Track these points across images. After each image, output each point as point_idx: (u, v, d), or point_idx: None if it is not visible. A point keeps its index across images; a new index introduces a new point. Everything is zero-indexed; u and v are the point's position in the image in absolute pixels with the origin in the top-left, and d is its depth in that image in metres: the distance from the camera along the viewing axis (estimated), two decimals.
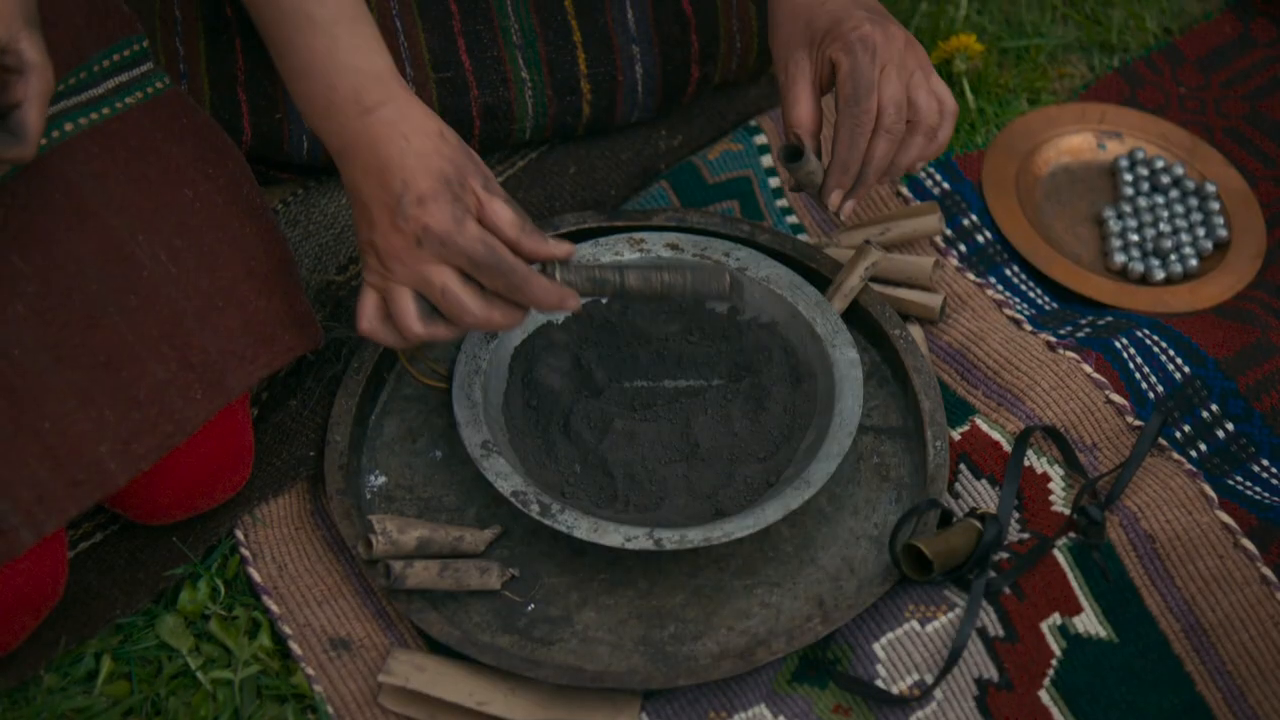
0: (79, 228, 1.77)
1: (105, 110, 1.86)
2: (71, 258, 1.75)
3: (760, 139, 2.31)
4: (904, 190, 2.29)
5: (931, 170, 2.32)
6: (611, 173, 2.27)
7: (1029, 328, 2.11)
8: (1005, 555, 1.91)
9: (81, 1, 1.89)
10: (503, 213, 1.77)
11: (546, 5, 2.18)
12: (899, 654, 1.86)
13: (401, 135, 1.79)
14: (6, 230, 1.74)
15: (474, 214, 1.76)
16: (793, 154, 1.92)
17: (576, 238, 2.11)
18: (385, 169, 1.78)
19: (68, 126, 1.82)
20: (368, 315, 1.79)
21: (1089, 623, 1.88)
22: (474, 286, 1.77)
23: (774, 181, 2.28)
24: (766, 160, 2.29)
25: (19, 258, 1.72)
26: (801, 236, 2.22)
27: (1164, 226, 2.32)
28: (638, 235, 2.07)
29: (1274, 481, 2.03)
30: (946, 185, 2.31)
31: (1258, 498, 2.00)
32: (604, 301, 2.03)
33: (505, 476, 1.87)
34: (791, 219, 2.25)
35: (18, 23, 1.69)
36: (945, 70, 2.45)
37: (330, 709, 1.83)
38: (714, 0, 2.25)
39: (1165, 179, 2.36)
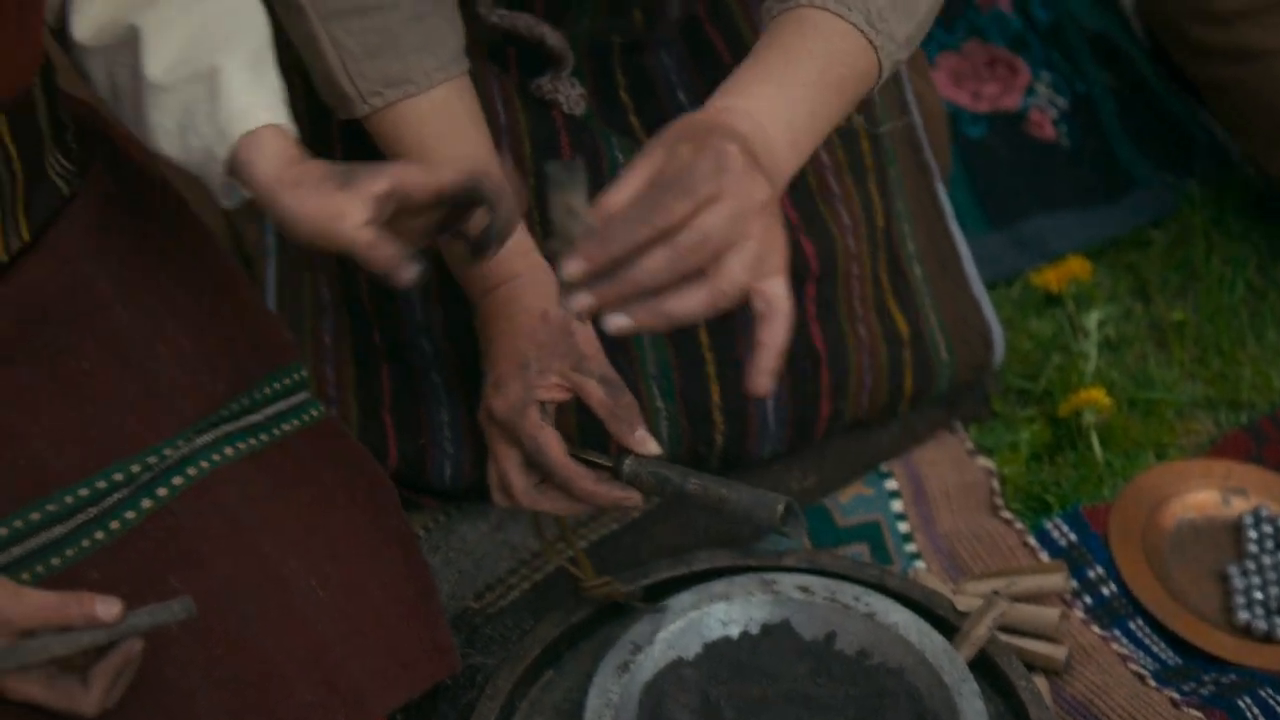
0: (234, 552, 1.82)
1: (264, 437, 1.92)
2: (226, 580, 1.80)
3: (891, 484, 2.36)
4: (1030, 541, 2.32)
5: (1059, 522, 2.35)
6: None
7: (1153, 683, 2.12)
8: None
9: (250, 330, 1.97)
10: (593, 393, 1.87)
11: (682, 337, 2.24)
12: None
13: (507, 315, 1.93)
14: (166, 551, 1.80)
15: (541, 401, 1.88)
16: (568, 170, 1.62)
17: (709, 576, 2.14)
18: (488, 347, 1.95)
19: (228, 451, 1.88)
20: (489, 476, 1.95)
21: None
22: (532, 471, 1.89)
23: (903, 526, 2.32)
24: (897, 505, 2.34)
25: (177, 579, 1.77)
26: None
27: None
28: (770, 576, 2.10)
29: None
30: (1073, 537, 2.34)
31: None
32: (734, 638, 2.06)
33: None
34: (920, 564, 2.28)
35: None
36: (1074, 423, 2.49)
37: None
38: (844, 336, 2.31)
39: None
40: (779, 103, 1.81)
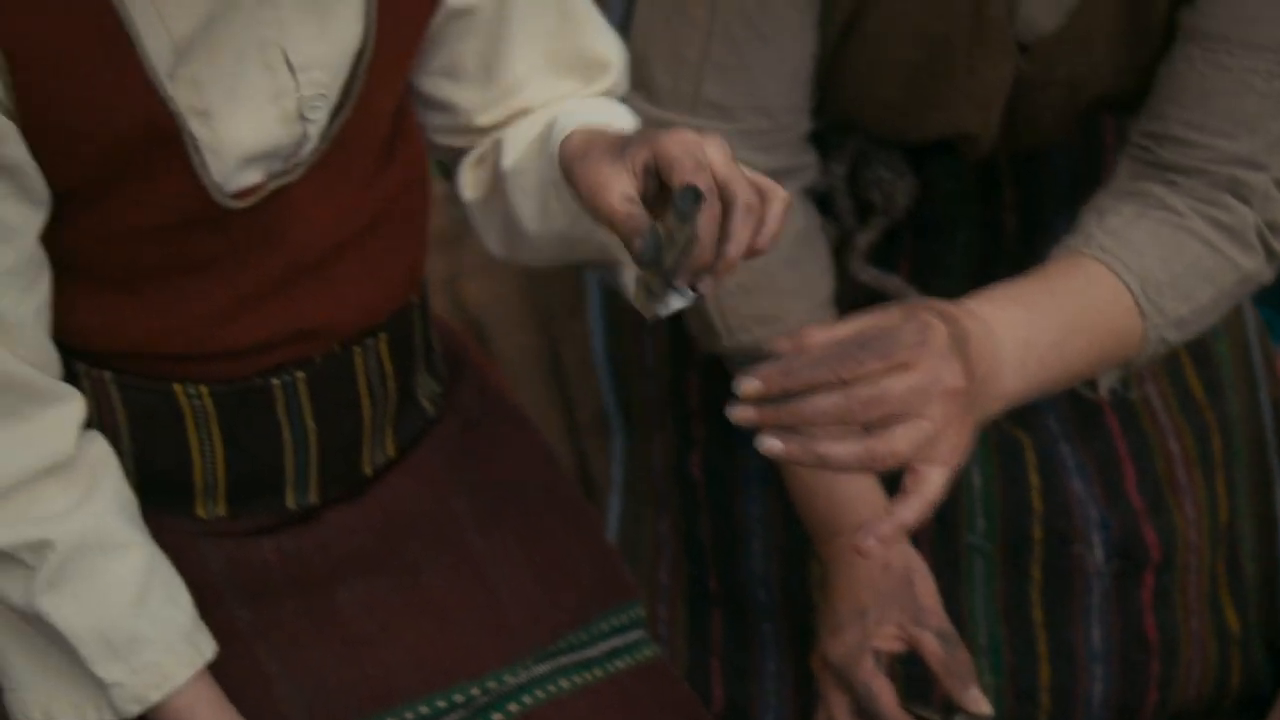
0: None
1: (597, 672, 1.95)
2: None
3: None
4: None
5: None
6: None
7: None
8: None
9: (592, 564, 2.01)
10: (929, 647, 1.88)
11: (1017, 615, 2.25)
12: None
13: (849, 562, 1.95)
14: None
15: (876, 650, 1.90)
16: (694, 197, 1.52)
17: None
18: (828, 592, 1.97)
19: (563, 683, 1.92)
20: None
21: None
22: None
23: None
24: None
25: None
26: None
27: None
28: None
29: None
30: None
31: None
32: None
33: None
34: None
35: None
36: None
37: None
38: (1177, 628, 2.29)
39: None
40: (1021, 323, 1.79)
